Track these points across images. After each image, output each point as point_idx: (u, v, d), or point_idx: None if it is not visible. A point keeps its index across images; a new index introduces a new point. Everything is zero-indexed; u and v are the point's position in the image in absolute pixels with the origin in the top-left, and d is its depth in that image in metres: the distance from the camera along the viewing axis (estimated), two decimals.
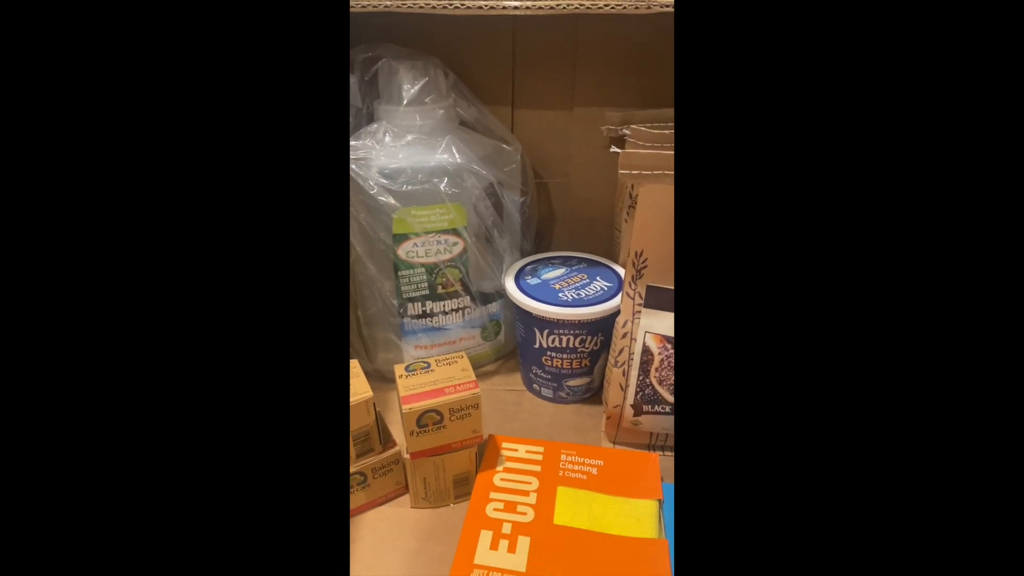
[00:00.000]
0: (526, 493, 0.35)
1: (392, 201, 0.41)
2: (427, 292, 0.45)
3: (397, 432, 0.38)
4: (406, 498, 0.38)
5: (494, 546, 0.32)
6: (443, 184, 0.42)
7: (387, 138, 0.42)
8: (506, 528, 0.33)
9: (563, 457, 0.38)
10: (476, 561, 0.31)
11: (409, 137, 0.42)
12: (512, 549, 0.32)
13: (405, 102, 0.42)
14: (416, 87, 0.42)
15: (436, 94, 0.43)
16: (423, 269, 0.44)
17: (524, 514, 0.34)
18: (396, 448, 0.37)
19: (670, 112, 0.43)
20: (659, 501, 0.35)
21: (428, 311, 0.46)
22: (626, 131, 0.39)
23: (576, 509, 0.34)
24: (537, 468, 0.37)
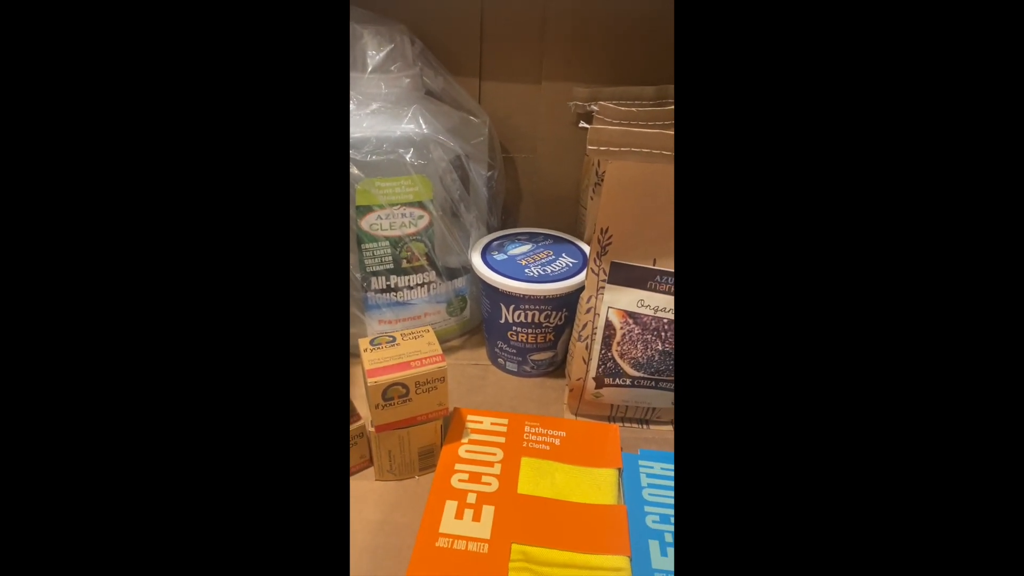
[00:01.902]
0: (491, 464, 0.36)
1: (356, 171, 0.40)
2: (391, 266, 0.44)
3: (361, 406, 0.38)
4: (370, 471, 0.38)
5: (459, 515, 0.32)
6: (409, 155, 0.41)
7: (351, 106, 0.41)
8: (471, 498, 0.34)
9: (527, 429, 0.39)
10: (441, 530, 0.32)
11: (374, 105, 0.41)
12: (477, 518, 0.32)
13: (370, 69, 0.40)
14: (382, 54, 0.40)
15: (402, 62, 0.41)
16: (387, 242, 0.43)
17: (489, 484, 0.35)
18: (360, 421, 0.36)
19: (637, 90, 0.44)
20: (618, 470, 0.37)
21: (392, 285, 0.45)
22: (593, 107, 0.39)
23: (539, 478, 0.35)
24: (502, 440, 0.38)
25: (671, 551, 0.32)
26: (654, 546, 0.32)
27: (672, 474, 0.37)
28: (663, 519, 0.33)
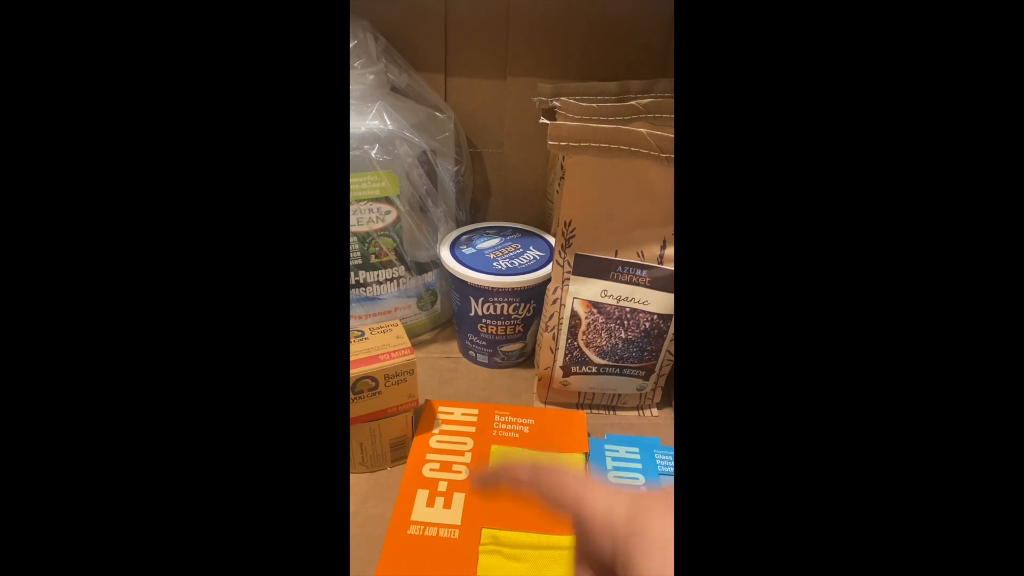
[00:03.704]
0: (461, 453, 0.37)
1: None
2: (360, 262, 0.45)
3: None
4: None
5: (430, 503, 0.33)
6: (374, 151, 0.41)
7: None
8: (442, 486, 0.34)
9: (497, 418, 0.40)
10: (413, 518, 0.32)
11: None
12: (448, 505, 0.33)
13: None
14: None
15: (366, 58, 0.42)
16: (355, 238, 0.44)
17: (459, 472, 0.35)
18: None
19: (599, 86, 0.45)
20: (585, 454, 0.38)
21: (362, 281, 0.46)
22: (556, 103, 0.40)
23: None
24: (472, 429, 0.39)
25: None
26: None
27: (636, 456, 0.38)
28: None
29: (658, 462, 0.38)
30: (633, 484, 0.36)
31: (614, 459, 0.38)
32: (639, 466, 0.37)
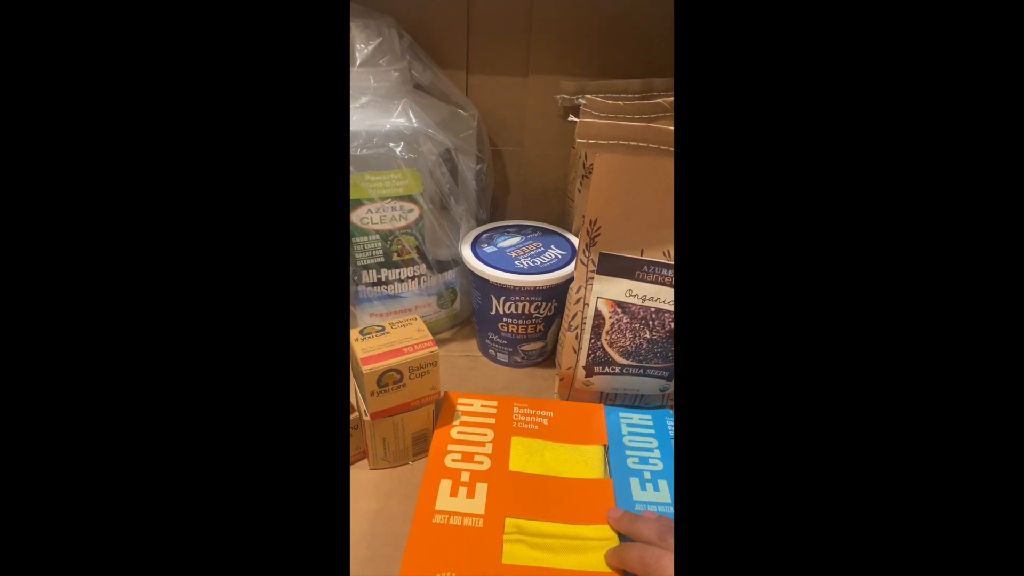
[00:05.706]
0: (482, 444, 0.37)
1: None
2: (382, 259, 0.45)
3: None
4: (364, 462, 0.39)
5: (454, 493, 0.34)
6: (399, 149, 0.41)
7: None
8: (464, 476, 0.35)
9: (516, 410, 0.40)
10: (437, 507, 0.33)
11: (363, 99, 0.41)
12: (471, 495, 0.33)
13: (359, 63, 0.41)
14: (370, 48, 0.41)
15: (391, 55, 0.42)
16: (378, 236, 0.44)
17: (481, 463, 0.36)
18: (354, 414, 0.37)
19: (623, 83, 0.45)
20: (604, 446, 0.38)
21: (383, 279, 0.46)
22: (581, 101, 0.40)
23: (529, 456, 0.36)
24: (492, 421, 0.39)
25: (649, 486, 0.35)
26: (635, 482, 0.36)
27: (649, 423, 0.40)
28: (641, 460, 0.37)
29: (669, 428, 0.40)
30: (647, 448, 0.38)
31: (628, 425, 0.40)
32: (652, 431, 0.40)
